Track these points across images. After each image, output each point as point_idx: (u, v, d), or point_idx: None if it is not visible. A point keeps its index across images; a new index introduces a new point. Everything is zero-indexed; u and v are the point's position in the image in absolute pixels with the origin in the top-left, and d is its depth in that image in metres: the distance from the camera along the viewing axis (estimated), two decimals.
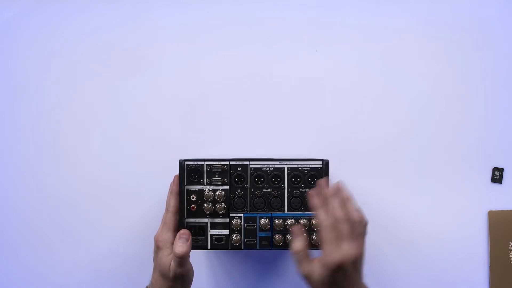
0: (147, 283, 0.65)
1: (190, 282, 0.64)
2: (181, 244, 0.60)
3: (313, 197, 0.61)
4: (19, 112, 0.78)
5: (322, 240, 0.57)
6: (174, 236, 0.63)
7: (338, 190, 0.59)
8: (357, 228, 0.57)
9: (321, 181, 0.62)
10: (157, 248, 0.63)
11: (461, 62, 0.77)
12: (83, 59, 0.78)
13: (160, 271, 0.62)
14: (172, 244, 0.62)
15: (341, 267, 0.54)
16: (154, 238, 0.64)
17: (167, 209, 0.64)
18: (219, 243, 0.64)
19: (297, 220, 0.64)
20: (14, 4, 0.78)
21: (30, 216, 0.78)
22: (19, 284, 0.78)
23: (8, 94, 0.78)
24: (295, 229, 0.61)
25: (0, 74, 0.79)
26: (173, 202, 0.64)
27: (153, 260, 0.65)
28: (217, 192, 0.64)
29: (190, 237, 0.63)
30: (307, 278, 0.58)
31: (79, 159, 0.78)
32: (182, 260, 0.60)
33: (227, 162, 0.64)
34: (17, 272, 0.78)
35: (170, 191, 0.64)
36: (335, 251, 0.55)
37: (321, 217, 0.58)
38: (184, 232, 0.62)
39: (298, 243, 0.60)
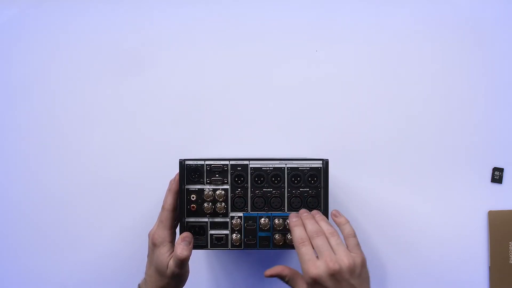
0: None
1: (185, 281, 0.64)
2: (184, 247, 0.60)
3: (291, 217, 0.62)
4: (19, 112, 0.78)
5: (299, 258, 0.58)
6: (171, 234, 0.63)
7: (314, 214, 0.62)
8: (334, 242, 0.58)
9: (302, 210, 0.64)
10: (153, 245, 0.63)
11: (461, 62, 0.77)
12: (83, 59, 0.78)
13: (156, 268, 0.62)
14: (170, 242, 0.63)
15: (317, 282, 0.55)
16: (149, 235, 0.64)
17: (163, 207, 0.64)
18: (219, 243, 0.64)
19: None
20: (14, 4, 0.78)
21: (30, 216, 0.78)
22: (19, 284, 0.78)
23: (8, 94, 0.79)
24: (268, 273, 0.63)
25: (1, 74, 0.79)
26: (170, 200, 0.64)
27: (148, 256, 0.65)
28: (217, 192, 0.64)
29: (192, 240, 0.63)
30: None
31: (79, 158, 0.78)
32: (183, 262, 0.60)
33: (227, 162, 0.64)
34: (17, 272, 0.78)
35: (169, 189, 0.64)
36: (311, 267, 0.56)
37: (296, 234, 0.59)
38: (187, 235, 0.63)
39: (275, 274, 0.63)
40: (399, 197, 0.77)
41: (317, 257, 0.57)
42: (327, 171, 0.64)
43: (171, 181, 0.65)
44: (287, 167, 0.64)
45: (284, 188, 0.64)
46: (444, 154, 0.77)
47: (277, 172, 0.64)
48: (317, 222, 0.61)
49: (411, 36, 0.78)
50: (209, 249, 0.65)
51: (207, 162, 0.64)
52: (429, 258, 0.77)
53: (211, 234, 0.64)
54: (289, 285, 0.62)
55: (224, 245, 0.65)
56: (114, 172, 0.78)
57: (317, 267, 0.55)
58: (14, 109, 0.78)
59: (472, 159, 0.77)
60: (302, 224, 0.60)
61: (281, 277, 0.62)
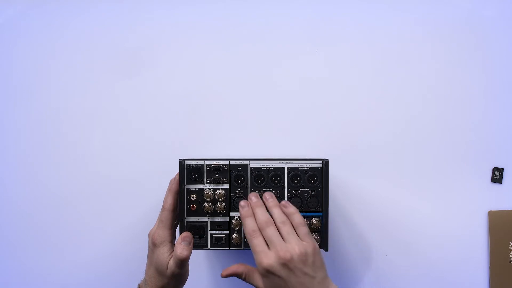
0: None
1: (185, 281, 0.64)
2: (184, 247, 0.60)
3: (241, 206, 0.61)
4: (19, 112, 0.78)
5: (252, 250, 0.58)
6: (171, 234, 0.63)
7: (265, 199, 0.62)
8: (285, 231, 0.58)
9: (251, 194, 0.63)
10: (153, 245, 0.63)
11: (461, 62, 0.77)
12: (83, 59, 0.78)
13: (156, 268, 0.62)
14: (170, 242, 0.63)
15: (270, 272, 0.55)
16: (149, 235, 0.64)
17: (163, 207, 0.64)
18: (219, 243, 0.64)
19: None
20: (14, 3, 0.78)
21: (30, 216, 0.78)
22: (19, 284, 0.78)
23: (8, 94, 0.79)
24: (224, 273, 0.62)
25: (1, 73, 0.79)
26: (170, 200, 0.64)
27: (148, 256, 0.65)
28: (217, 192, 0.64)
29: (192, 240, 0.63)
30: None
31: (79, 158, 0.78)
32: (183, 262, 0.60)
33: (227, 162, 0.64)
34: (17, 272, 0.78)
35: (169, 189, 0.64)
36: (263, 258, 0.56)
37: (247, 227, 0.59)
38: (187, 235, 0.62)
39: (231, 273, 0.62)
40: (399, 197, 0.77)
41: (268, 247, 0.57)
42: (327, 171, 0.64)
43: (171, 181, 0.65)
44: (287, 167, 0.64)
45: (284, 188, 0.64)
46: (444, 154, 0.77)
47: (277, 172, 0.64)
48: (268, 209, 0.60)
49: (411, 36, 0.78)
50: (209, 249, 0.65)
51: (207, 162, 0.64)
52: (429, 258, 0.77)
53: (211, 234, 0.64)
54: (247, 281, 0.62)
55: (224, 245, 0.65)
56: (114, 172, 0.78)
57: (268, 258, 0.55)
58: (14, 109, 0.78)
59: (472, 159, 0.77)
60: (253, 214, 0.60)
61: (237, 275, 0.62)
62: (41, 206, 0.78)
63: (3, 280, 0.78)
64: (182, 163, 0.64)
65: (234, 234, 0.64)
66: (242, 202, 0.62)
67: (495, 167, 0.77)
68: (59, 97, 0.78)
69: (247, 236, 0.59)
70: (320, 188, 0.64)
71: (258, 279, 0.60)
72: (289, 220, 0.59)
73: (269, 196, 0.62)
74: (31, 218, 0.78)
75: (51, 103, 0.78)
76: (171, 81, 0.78)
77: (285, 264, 0.55)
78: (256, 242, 0.57)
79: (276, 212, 0.60)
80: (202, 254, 0.78)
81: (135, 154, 0.78)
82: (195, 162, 0.64)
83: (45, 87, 0.78)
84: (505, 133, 0.77)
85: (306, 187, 0.64)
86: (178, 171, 0.64)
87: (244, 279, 0.62)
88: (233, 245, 0.64)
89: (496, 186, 0.77)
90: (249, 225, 0.59)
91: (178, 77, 0.78)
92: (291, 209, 0.61)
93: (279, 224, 0.58)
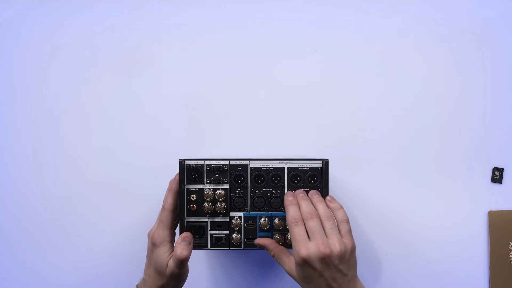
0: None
1: (184, 281, 0.64)
2: (184, 247, 0.61)
3: (287, 195, 0.62)
4: (19, 112, 0.78)
5: (291, 237, 0.58)
6: (171, 234, 0.64)
7: (311, 195, 0.63)
8: (328, 226, 0.59)
9: (299, 190, 0.64)
10: (153, 245, 0.63)
11: (461, 62, 0.77)
12: (83, 59, 0.78)
13: (155, 268, 0.62)
14: (169, 242, 0.63)
15: (306, 263, 0.56)
16: (148, 235, 0.64)
17: (163, 207, 0.64)
18: (219, 243, 0.64)
19: None
20: (14, 3, 0.78)
21: (30, 216, 0.78)
22: (19, 284, 0.78)
23: (8, 94, 0.78)
24: (258, 241, 0.64)
25: (1, 73, 0.79)
26: (170, 200, 0.64)
27: (147, 256, 0.65)
28: (217, 192, 0.64)
29: (192, 240, 0.63)
30: (291, 275, 0.60)
31: (79, 158, 0.78)
32: (183, 262, 0.60)
33: (227, 162, 0.64)
34: (17, 272, 0.78)
35: (169, 189, 0.64)
36: (302, 248, 0.56)
37: (290, 214, 0.60)
38: (187, 235, 0.63)
39: (263, 245, 0.64)
40: (399, 197, 0.77)
41: (309, 238, 0.57)
42: (327, 171, 0.64)
43: (171, 181, 0.65)
44: (287, 167, 0.64)
45: (284, 188, 0.64)
46: (444, 154, 0.77)
47: (277, 172, 0.64)
48: (313, 204, 0.61)
49: (411, 36, 0.78)
50: (209, 249, 0.65)
51: (207, 162, 0.64)
52: (429, 258, 0.77)
53: (211, 234, 0.65)
54: (276, 260, 0.63)
55: (224, 245, 0.65)
56: (114, 172, 0.78)
57: (308, 249, 0.56)
58: (14, 109, 0.78)
59: (472, 159, 0.77)
60: (297, 204, 0.61)
61: (268, 250, 0.63)
62: (41, 206, 0.78)
63: (3, 280, 0.78)
64: (182, 163, 0.64)
65: (234, 234, 0.64)
66: (288, 193, 0.63)
67: (495, 167, 0.77)
68: (59, 97, 0.78)
69: (289, 223, 0.59)
70: (320, 188, 0.64)
71: (286, 262, 0.61)
72: (334, 214, 0.61)
73: (315, 193, 0.63)
74: (31, 218, 0.78)
75: (51, 103, 0.78)
76: (171, 81, 0.78)
77: (323, 258, 0.56)
78: (297, 231, 0.58)
79: (322, 206, 0.61)
80: (202, 254, 0.78)
81: (135, 154, 0.78)
82: (195, 162, 0.64)
83: (45, 87, 0.78)
84: (505, 133, 0.77)
85: (306, 187, 0.64)
86: (178, 171, 0.64)
87: (272, 256, 0.63)
88: (233, 245, 0.64)
89: (496, 186, 0.77)
90: (292, 213, 0.59)
91: (178, 77, 0.78)
92: (336, 204, 0.62)
93: (323, 218, 0.59)
